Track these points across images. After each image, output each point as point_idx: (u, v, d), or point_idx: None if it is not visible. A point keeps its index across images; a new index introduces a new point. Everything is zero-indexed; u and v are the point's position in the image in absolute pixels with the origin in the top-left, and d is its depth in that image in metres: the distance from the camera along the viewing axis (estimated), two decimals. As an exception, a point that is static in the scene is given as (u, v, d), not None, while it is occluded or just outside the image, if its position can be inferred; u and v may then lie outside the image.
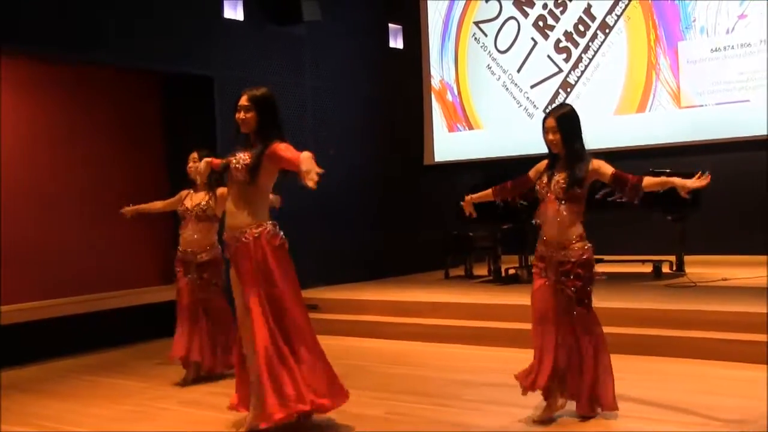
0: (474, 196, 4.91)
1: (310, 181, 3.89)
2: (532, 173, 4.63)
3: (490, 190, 4.83)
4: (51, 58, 7.63)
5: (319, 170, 3.92)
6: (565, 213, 4.34)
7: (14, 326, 6.93)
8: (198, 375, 5.95)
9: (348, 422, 4.60)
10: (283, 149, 4.22)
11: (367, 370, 6.15)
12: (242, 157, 4.29)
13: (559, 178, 4.36)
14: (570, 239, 4.35)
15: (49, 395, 5.84)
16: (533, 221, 4.57)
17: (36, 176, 7.69)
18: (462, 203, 4.97)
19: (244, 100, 4.34)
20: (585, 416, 4.40)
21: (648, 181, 4.31)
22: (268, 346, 4.20)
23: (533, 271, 4.56)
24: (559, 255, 4.36)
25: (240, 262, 4.31)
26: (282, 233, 4.40)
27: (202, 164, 4.77)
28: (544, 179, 4.45)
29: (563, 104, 4.65)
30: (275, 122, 4.35)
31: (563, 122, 4.35)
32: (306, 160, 3.95)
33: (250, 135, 4.37)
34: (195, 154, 5.93)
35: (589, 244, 4.39)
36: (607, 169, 4.34)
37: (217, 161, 4.65)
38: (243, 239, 4.29)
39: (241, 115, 4.33)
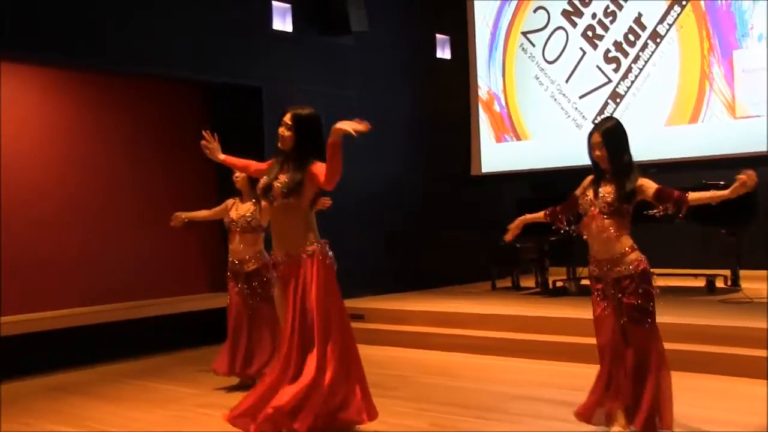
0: (527, 217, 4.71)
1: (358, 126, 3.97)
2: (579, 192, 4.45)
3: (541, 214, 4.67)
4: (102, 70, 7.77)
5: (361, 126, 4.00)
6: (610, 228, 4.19)
7: (66, 331, 7.10)
8: (246, 382, 5.98)
9: (390, 432, 4.55)
10: (318, 168, 4.24)
11: (410, 381, 6.11)
12: (282, 179, 4.30)
13: (605, 192, 4.22)
14: (621, 252, 4.18)
15: (97, 398, 5.95)
16: (575, 232, 4.44)
17: (88, 186, 7.84)
18: (509, 226, 4.77)
19: (287, 118, 4.36)
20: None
21: (693, 195, 4.14)
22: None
23: (593, 296, 4.35)
24: (614, 272, 4.19)
25: (290, 279, 4.33)
26: (331, 253, 4.42)
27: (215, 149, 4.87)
28: (590, 193, 4.30)
29: (609, 118, 4.49)
30: (316, 143, 4.33)
31: (609, 137, 4.21)
32: (338, 128, 4.00)
33: (287, 152, 4.39)
34: None
35: (642, 255, 4.21)
36: (650, 185, 4.18)
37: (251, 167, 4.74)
38: (296, 257, 4.31)
39: (282, 130, 4.36)
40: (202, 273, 8.62)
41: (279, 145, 4.39)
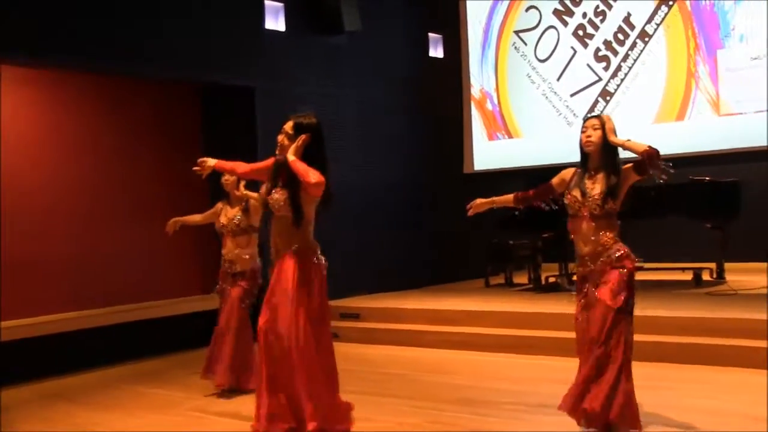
0: (495, 199, 4.69)
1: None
2: (555, 181, 4.44)
3: (511, 196, 4.65)
4: (92, 71, 7.77)
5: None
6: (600, 231, 4.21)
7: (58, 336, 7.07)
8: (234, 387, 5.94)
9: (387, 430, 4.66)
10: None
11: (407, 379, 6.21)
12: (280, 193, 4.19)
13: (594, 191, 4.21)
14: (605, 245, 4.21)
15: (92, 404, 5.91)
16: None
17: (79, 188, 7.87)
18: (470, 205, 4.73)
19: (288, 126, 4.21)
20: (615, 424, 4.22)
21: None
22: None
23: (577, 296, 4.35)
24: (598, 264, 4.22)
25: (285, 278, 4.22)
26: (324, 258, 4.33)
27: (208, 165, 4.69)
28: (576, 192, 4.29)
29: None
30: (317, 153, 4.19)
31: (604, 122, 4.23)
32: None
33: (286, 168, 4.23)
34: None
35: (625, 246, 4.23)
36: (629, 166, 4.15)
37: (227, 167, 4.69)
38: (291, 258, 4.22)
39: (281, 138, 4.22)
40: (195, 275, 8.61)
41: (277, 152, 4.27)
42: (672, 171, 4.12)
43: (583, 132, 4.29)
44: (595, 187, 4.23)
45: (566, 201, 4.35)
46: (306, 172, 4.04)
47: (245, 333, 5.93)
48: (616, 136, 4.22)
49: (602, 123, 4.24)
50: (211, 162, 4.70)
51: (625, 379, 4.14)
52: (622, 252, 4.21)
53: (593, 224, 4.23)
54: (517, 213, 4.83)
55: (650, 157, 4.04)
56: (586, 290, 4.30)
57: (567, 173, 4.41)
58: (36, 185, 7.55)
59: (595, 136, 4.23)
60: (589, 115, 4.42)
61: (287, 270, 4.19)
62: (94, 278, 7.81)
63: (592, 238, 4.24)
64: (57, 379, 6.83)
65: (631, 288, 4.21)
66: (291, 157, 4.10)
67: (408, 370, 6.55)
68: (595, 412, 4.08)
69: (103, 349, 7.39)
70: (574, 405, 4.20)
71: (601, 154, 4.23)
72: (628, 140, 4.15)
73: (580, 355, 4.30)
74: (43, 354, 6.96)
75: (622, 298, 4.16)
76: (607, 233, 4.22)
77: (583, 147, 4.29)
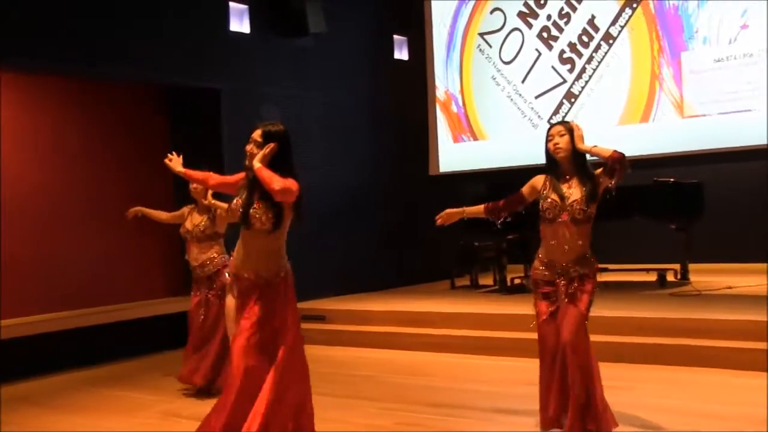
0: (466, 210, 4.60)
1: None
2: (526, 190, 4.37)
3: (482, 207, 4.53)
4: (57, 74, 7.70)
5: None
6: (579, 236, 4.15)
7: (23, 339, 6.98)
8: (209, 389, 5.92)
9: (357, 432, 4.65)
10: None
11: (375, 381, 6.20)
12: (263, 207, 4.10)
13: (575, 195, 4.14)
14: (584, 254, 4.19)
15: (61, 408, 5.86)
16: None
17: (44, 190, 7.77)
18: (440, 215, 4.66)
19: (257, 135, 4.13)
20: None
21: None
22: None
23: (538, 299, 4.31)
24: (573, 272, 4.16)
25: (253, 295, 4.17)
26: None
27: (175, 163, 4.71)
28: (554, 196, 4.20)
29: (567, 121, 4.42)
30: (285, 161, 4.13)
31: (570, 128, 4.19)
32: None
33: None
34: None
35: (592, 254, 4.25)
36: (599, 171, 4.15)
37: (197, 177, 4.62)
38: (267, 279, 4.17)
39: (250, 147, 4.14)
40: (161, 277, 8.58)
41: (246, 162, 4.17)
42: (629, 171, 4.07)
43: (549, 140, 4.24)
44: (574, 192, 4.16)
45: (544, 206, 4.23)
46: (270, 179, 3.97)
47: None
48: (583, 143, 4.18)
49: (569, 129, 4.20)
50: (179, 167, 4.68)
51: (601, 387, 4.15)
52: (595, 263, 4.21)
53: (574, 229, 4.15)
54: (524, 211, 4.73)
55: (619, 161, 4.01)
56: (552, 296, 4.24)
57: (537, 181, 4.34)
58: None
59: (563, 142, 4.18)
60: (553, 122, 4.40)
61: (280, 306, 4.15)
62: (60, 281, 7.73)
63: (576, 243, 4.17)
64: (23, 383, 6.76)
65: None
66: (257, 164, 4.04)
67: (376, 371, 6.54)
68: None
69: (70, 353, 7.32)
70: (555, 419, 4.18)
71: (571, 160, 4.19)
72: (595, 146, 4.12)
73: (543, 361, 4.26)
74: (9, 357, 6.86)
75: (589, 310, 4.18)
76: (586, 241, 4.19)
77: (553, 154, 4.23)
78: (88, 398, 6.15)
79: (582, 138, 4.19)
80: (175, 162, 4.79)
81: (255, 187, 4.14)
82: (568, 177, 4.22)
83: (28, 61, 7.10)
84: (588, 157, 4.20)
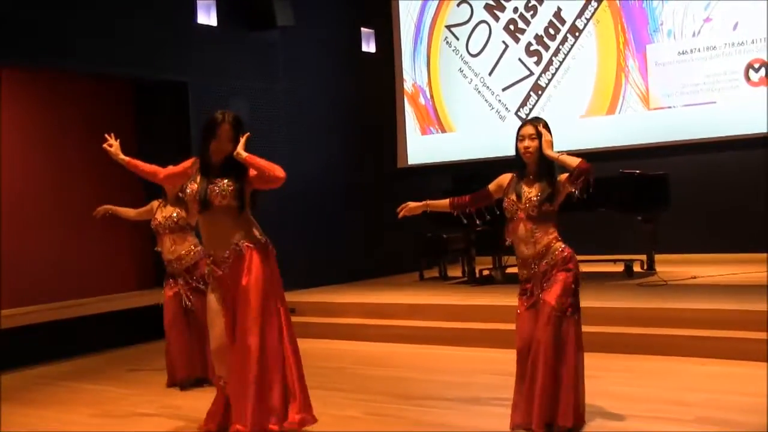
0: (429, 203, 4.65)
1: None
2: (492, 187, 4.42)
3: (447, 201, 4.58)
4: (21, 68, 7.60)
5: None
6: (536, 232, 4.20)
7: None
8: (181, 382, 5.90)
9: (328, 424, 4.63)
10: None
11: (345, 372, 6.20)
12: (225, 183, 4.20)
13: (531, 194, 4.21)
14: (546, 245, 4.21)
15: (29, 403, 5.79)
16: (505, 241, 4.36)
17: (9, 184, 7.65)
18: (402, 207, 4.68)
19: (230, 118, 4.23)
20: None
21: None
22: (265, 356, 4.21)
23: (520, 296, 4.31)
24: (542, 266, 4.21)
25: (241, 276, 4.24)
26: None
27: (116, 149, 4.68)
28: (513, 196, 4.27)
29: (538, 117, 4.48)
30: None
31: (543, 133, 4.20)
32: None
33: (223, 161, 4.25)
34: None
35: (565, 245, 4.25)
36: (564, 175, 4.18)
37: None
38: (242, 252, 4.24)
39: (227, 129, 4.20)
40: (130, 271, 8.52)
41: (216, 158, 4.23)
42: (592, 181, 4.11)
43: (520, 141, 4.26)
44: (532, 191, 4.22)
45: (504, 205, 4.31)
46: (272, 167, 4.13)
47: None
48: (551, 149, 4.21)
49: (539, 134, 4.21)
50: (121, 154, 4.66)
51: (581, 382, 4.17)
52: (567, 253, 4.21)
53: (531, 226, 4.20)
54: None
55: (585, 171, 4.06)
56: (530, 292, 4.26)
57: (504, 179, 4.39)
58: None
59: (533, 146, 4.21)
60: (525, 120, 4.38)
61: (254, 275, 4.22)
62: (25, 275, 7.63)
63: (532, 239, 4.22)
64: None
65: (576, 289, 4.21)
66: (245, 153, 4.13)
67: (346, 363, 6.54)
68: (566, 427, 4.10)
69: (37, 348, 7.23)
70: (526, 418, 4.15)
71: (538, 163, 4.23)
72: (562, 154, 4.16)
73: (520, 354, 4.25)
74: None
75: (569, 300, 4.16)
76: (548, 234, 4.22)
77: (522, 156, 4.26)
78: (56, 392, 6.07)
79: (550, 144, 4.21)
80: (116, 148, 4.69)
81: (211, 170, 4.22)
82: (532, 177, 4.27)
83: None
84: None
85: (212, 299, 4.37)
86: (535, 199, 4.19)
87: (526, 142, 4.23)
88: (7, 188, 7.66)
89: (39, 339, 7.26)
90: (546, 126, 4.27)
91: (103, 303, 7.90)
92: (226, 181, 4.21)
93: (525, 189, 4.25)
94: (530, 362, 4.15)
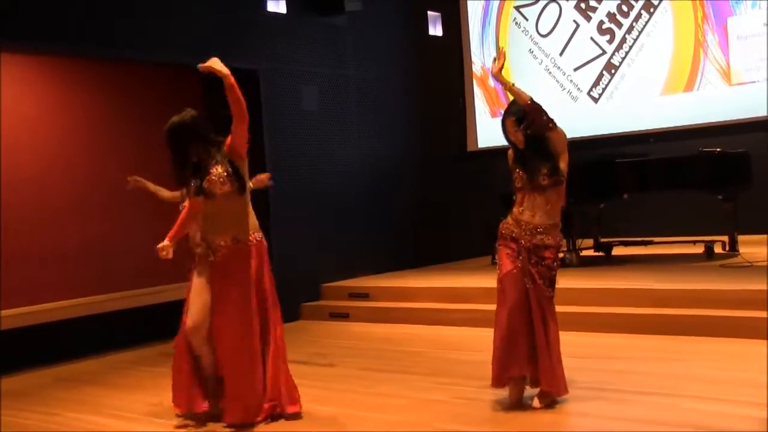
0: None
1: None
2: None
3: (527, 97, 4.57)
4: (91, 57, 7.70)
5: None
6: (551, 202, 4.40)
7: (65, 322, 7.15)
8: None
9: (415, 407, 4.64)
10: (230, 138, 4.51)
11: (425, 356, 6.18)
12: (219, 170, 4.46)
13: (543, 168, 4.39)
14: (553, 224, 4.42)
15: (110, 386, 5.95)
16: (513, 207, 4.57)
17: (74, 174, 7.82)
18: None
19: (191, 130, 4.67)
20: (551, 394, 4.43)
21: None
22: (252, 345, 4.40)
23: (501, 254, 4.53)
24: (537, 239, 4.39)
25: (237, 265, 4.44)
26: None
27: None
28: (521, 171, 4.46)
29: (513, 102, 4.58)
30: (207, 131, 4.70)
31: (519, 121, 4.40)
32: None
33: (197, 162, 4.56)
34: None
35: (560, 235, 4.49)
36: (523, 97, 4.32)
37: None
38: (244, 243, 4.47)
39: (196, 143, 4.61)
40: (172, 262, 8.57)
41: (193, 185, 4.58)
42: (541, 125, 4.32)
43: (506, 135, 4.49)
44: (545, 165, 4.40)
45: (514, 177, 4.52)
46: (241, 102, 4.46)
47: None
48: (513, 84, 4.37)
49: (518, 119, 4.38)
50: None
51: (559, 350, 4.41)
52: (560, 238, 4.45)
53: (545, 196, 4.40)
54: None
55: (531, 111, 4.28)
56: (516, 252, 4.41)
57: (510, 155, 4.56)
58: (34, 173, 7.51)
59: (519, 138, 4.43)
60: (503, 115, 4.52)
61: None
62: (86, 266, 7.76)
63: (548, 207, 4.40)
64: (74, 364, 6.87)
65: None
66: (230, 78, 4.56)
67: (426, 348, 6.51)
68: (549, 391, 4.38)
69: (110, 335, 7.39)
70: (502, 374, 4.40)
71: (527, 146, 4.43)
72: (514, 85, 4.36)
73: (498, 315, 4.47)
74: (44, 341, 7.01)
75: (554, 278, 4.44)
76: (556, 212, 4.43)
77: (513, 144, 4.50)
78: (141, 376, 6.18)
79: (500, 70, 4.41)
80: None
81: (201, 168, 4.51)
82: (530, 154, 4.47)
83: (63, 45, 7.06)
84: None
85: (199, 281, 4.60)
86: (546, 173, 4.38)
87: (513, 137, 4.46)
88: (70, 180, 7.79)
89: (113, 327, 7.43)
90: (521, 111, 4.41)
91: (157, 294, 7.88)
92: (219, 168, 4.45)
93: (538, 163, 4.41)
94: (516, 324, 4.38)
